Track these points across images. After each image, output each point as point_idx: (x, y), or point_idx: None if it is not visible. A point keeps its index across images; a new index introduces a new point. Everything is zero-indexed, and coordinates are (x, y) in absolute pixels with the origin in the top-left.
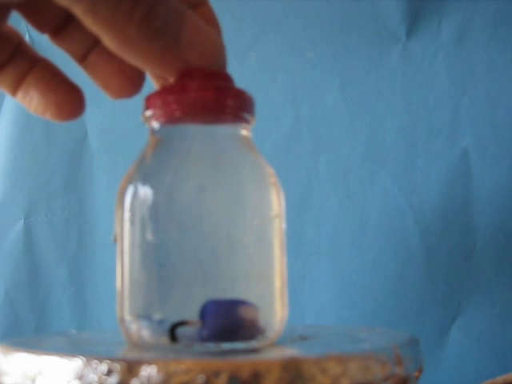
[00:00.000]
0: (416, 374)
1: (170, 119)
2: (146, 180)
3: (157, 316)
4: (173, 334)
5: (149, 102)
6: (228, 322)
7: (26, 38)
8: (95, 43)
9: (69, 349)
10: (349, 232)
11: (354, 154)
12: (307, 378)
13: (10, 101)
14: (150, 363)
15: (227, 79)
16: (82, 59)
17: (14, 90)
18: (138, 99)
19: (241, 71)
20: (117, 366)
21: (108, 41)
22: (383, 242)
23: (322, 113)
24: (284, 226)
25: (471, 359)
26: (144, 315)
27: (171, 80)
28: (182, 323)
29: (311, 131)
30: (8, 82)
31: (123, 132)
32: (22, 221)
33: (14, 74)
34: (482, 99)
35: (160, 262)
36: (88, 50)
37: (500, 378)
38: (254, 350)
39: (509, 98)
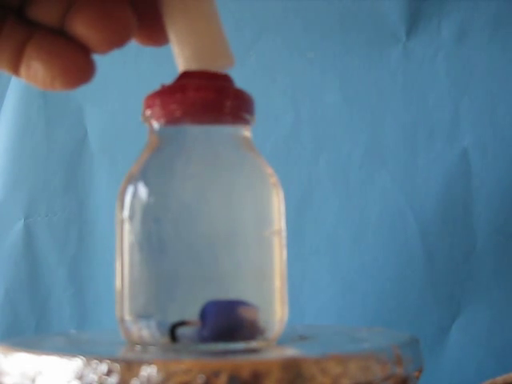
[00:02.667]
0: (416, 373)
1: (170, 119)
2: (146, 180)
3: (157, 316)
4: (173, 334)
5: (148, 102)
6: (228, 323)
7: None
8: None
9: (69, 349)
10: (349, 232)
11: (353, 154)
12: (307, 378)
13: (10, 101)
14: (149, 363)
15: (227, 79)
16: (60, 23)
17: (15, 65)
18: (138, 99)
19: (241, 71)
20: (117, 366)
21: None
22: (383, 241)
23: (322, 113)
24: (284, 225)
25: (471, 359)
26: (144, 315)
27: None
28: (182, 323)
29: (311, 131)
30: (7, 58)
31: (123, 132)
32: (22, 221)
33: (10, 48)
34: (482, 99)
35: (160, 261)
36: (65, 11)
37: (500, 378)
38: (253, 350)
39: (509, 98)
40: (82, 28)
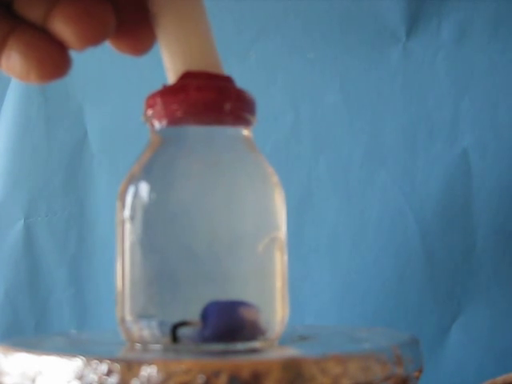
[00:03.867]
0: (416, 374)
1: (171, 119)
2: (147, 180)
3: (158, 316)
4: (174, 334)
5: (150, 102)
6: (229, 323)
7: None
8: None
9: (69, 349)
10: (349, 232)
11: (354, 154)
12: (307, 378)
13: (10, 101)
14: (149, 363)
15: (229, 80)
16: (43, 20)
17: None
18: (138, 99)
19: (241, 71)
20: (117, 366)
21: None
22: (383, 242)
23: (322, 113)
24: (285, 225)
25: (471, 359)
26: (145, 315)
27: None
28: (183, 323)
29: (311, 131)
30: None
31: (123, 132)
32: (22, 221)
33: None
34: (482, 99)
35: (161, 261)
36: (49, 9)
37: (500, 378)
38: (254, 350)
39: (509, 98)
40: (58, 22)
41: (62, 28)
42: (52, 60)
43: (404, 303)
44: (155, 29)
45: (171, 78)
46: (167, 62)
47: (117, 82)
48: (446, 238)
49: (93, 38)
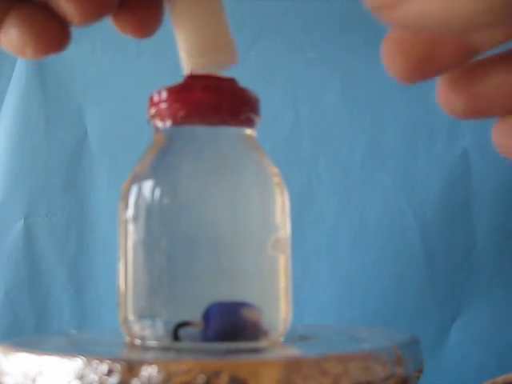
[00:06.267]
0: (416, 374)
1: (176, 119)
2: (151, 180)
3: (161, 316)
4: (176, 334)
5: (154, 101)
6: (231, 324)
7: None
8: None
9: (69, 349)
10: (349, 232)
11: (354, 154)
12: (308, 378)
13: (10, 101)
14: (150, 363)
15: (233, 81)
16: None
17: None
18: (139, 99)
19: (241, 71)
20: (117, 366)
21: None
22: (383, 242)
23: (322, 113)
24: (289, 225)
25: (471, 359)
26: (148, 315)
27: None
28: (185, 324)
29: (311, 131)
30: None
31: (123, 132)
32: (22, 221)
33: None
34: None
35: (164, 262)
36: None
37: (500, 378)
38: (254, 350)
39: None
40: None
41: (63, 1)
42: (49, 33)
43: (404, 303)
44: (172, 16)
45: (186, 67)
46: (182, 52)
47: (117, 82)
48: (445, 238)
49: (94, 12)
